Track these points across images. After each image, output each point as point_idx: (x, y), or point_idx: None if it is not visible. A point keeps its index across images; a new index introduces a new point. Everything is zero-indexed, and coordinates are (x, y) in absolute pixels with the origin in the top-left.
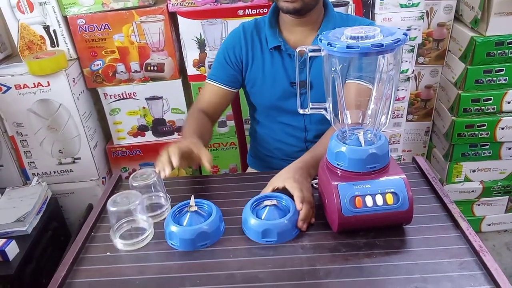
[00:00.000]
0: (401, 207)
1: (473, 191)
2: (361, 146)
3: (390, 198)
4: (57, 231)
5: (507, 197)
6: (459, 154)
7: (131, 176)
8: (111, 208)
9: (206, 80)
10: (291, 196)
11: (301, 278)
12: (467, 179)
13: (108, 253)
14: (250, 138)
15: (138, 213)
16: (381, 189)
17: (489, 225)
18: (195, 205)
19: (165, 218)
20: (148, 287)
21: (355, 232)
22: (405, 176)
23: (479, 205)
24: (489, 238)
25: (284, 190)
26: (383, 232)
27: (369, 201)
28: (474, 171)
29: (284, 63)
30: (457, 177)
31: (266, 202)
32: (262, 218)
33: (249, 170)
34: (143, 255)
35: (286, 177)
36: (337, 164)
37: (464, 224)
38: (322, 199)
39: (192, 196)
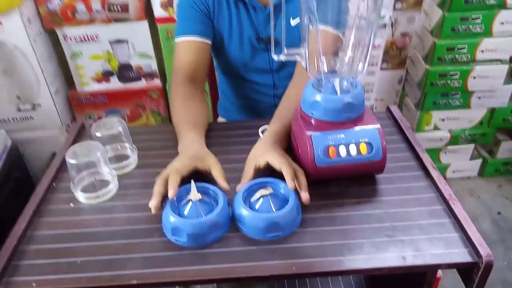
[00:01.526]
0: (375, 157)
1: (441, 139)
2: (337, 94)
3: (364, 148)
4: (20, 182)
5: (473, 145)
6: (430, 103)
7: (93, 126)
8: (70, 160)
9: (176, 40)
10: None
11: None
12: (436, 128)
13: (72, 204)
14: (219, 91)
15: (100, 165)
16: (355, 139)
17: (454, 172)
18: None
19: (131, 169)
20: (115, 238)
21: (327, 182)
22: (379, 126)
23: (445, 153)
24: (453, 184)
25: (266, 169)
26: (355, 181)
27: (342, 151)
28: (443, 120)
29: (250, 17)
30: (426, 126)
31: (262, 192)
32: (257, 208)
33: (220, 120)
34: (109, 206)
35: (265, 152)
36: (312, 114)
37: (434, 173)
38: (295, 149)
39: (193, 183)
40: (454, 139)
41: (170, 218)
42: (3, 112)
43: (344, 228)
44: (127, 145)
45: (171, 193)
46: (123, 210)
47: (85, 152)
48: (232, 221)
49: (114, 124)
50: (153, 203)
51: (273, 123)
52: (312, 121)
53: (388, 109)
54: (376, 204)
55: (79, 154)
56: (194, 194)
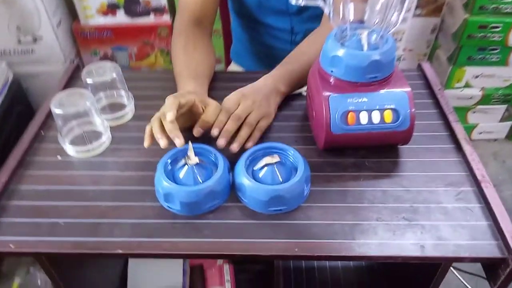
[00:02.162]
0: (401, 127)
1: (471, 98)
2: (363, 50)
3: (389, 116)
4: (23, 116)
5: (505, 106)
6: (465, 58)
7: (84, 71)
8: (55, 110)
9: None
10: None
11: None
12: (467, 85)
13: (59, 157)
14: (232, 34)
15: (91, 116)
16: (379, 104)
17: (480, 133)
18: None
19: (127, 120)
20: (103, 199)
21: (342, 150)
22: (410, 89)
23: (474, 112)
24: (477, 146)
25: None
26: (374, 151)
27: (363, 117)
28: (476, 77)
29: None
30: (457, 83)
31: (267, 160)
32: (260, 177)
33: (232, 66)
34: (99, 162)
35: (241, 97)
36: (331, 71)
37: (467, 149)
38: (309, 110)
39: (190, 144)
40: (485, 98)
41: (163, 183)
42: (3, 43)
43: (357, 206)
44: (122, 93)
45: (170, 116)
46: (115, 167)
47: (73, 100)
48: (233, 189)
49: (107, 70)
50: (146, 142)
51: (280, 65)
52: (331, 80)
53: (420, 67)
54: (395, 180)
55: (65, 103)
56: (191, 157)
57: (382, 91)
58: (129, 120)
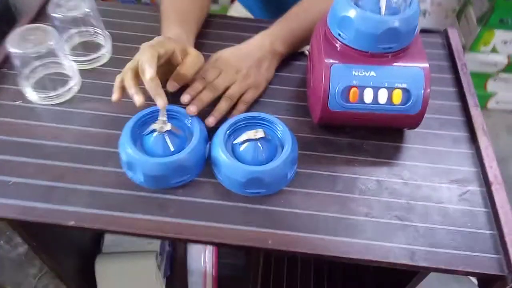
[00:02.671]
0: (410, 110)
1: (495, 64)
2: (380, 13)
3: (398, 96)
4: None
5: None
6: (497, 20)
7: (50, 4)
8: (10, 49)
9: None
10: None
11: None
12: (494, 50)
13: (18, 102)
14: None
15: (57, 57)
16: (389, 81)
17: (497, 103)
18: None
19: (103, 64)
20: (61, 158)
21: (339, 127)
22: (427, 66)
23: (495, 80)
24: (491, 116)
25: None
26: (375, 132)
27: (368, 95)
28: (505, 42)
29: None
30: (483, 46)
31: (249, 134)
32: (240, 151)
33: (237, 6)
34: (63, 113)
35: (224, 63)
36: (338, 35)
37: (483, 141)
38: (307, 75)
39: (163, 110)
40: (510, 67)
41: (126, 149)
42: None
43: (346, 196)
44: (98, 30)
45: (150, 73)
46: (79, 121)
47: (35, 38)
48: (208, 162)
49: (79, 3)
50: (114, 95)
51: (276, 23)
52: (337, 46)
53: (445, 33)
54: (394, 169)
55: (24, 40)
56: (163, 123)
57: (394, 65)
58: (104, 63)
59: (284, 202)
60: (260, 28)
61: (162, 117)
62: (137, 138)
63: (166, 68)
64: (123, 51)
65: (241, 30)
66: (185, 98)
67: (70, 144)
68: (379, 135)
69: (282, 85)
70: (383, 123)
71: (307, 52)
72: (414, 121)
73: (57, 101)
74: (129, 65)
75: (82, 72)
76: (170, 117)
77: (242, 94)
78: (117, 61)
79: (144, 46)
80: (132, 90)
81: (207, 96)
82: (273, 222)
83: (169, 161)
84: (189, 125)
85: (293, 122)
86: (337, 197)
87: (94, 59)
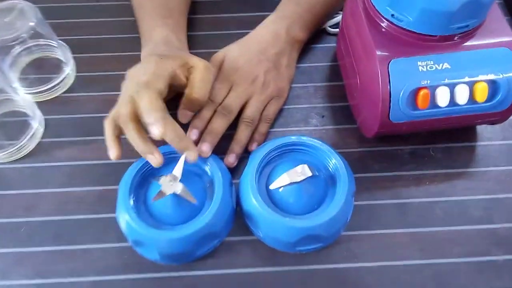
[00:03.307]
0: (499, 106)
1: None
2: None
3: (482, 92)
4: None
5: None
6: None
7: None
8: None
9: None
10: None
11: None
12: None
13: None
14: None
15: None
16: (470, 72)
17: None
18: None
19: (65, 90)
20: (42, 242)
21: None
22: None
23: None
24: None
25: None
26: (441, 131)
27: (443, 97)
28: None
29: None
30: None
31: (291, 174)
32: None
33: None
34: (31, 173)
35: (235, 69)
36: (391, 16)
37: None
38: (343, 71)
39: (179, 169)
40: None
41: (130, 223)
42: None
43: (423, 231)
44: (51, 42)
45: (158, 131)
46: (56, 179)
47: None
48: (237, 214)
49: (17, 13)
50: (113, 154)
51: (285, 1)
52: (389, 30)
53: None
54: (476, 181)
55: None
56: (175, 181)
57: (472, 48)
58: (69, 89)
59: (348, 254)
60: (265, 3)
61: (176, 172)
62: (140, 197)
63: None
64: (89, 66)
65: (240, 10)
66: (192, 134)
67: (48, 217)
68: (446, 134)
69: (305, 81)
70: (459, 125)
71: (329, 29)
72: (502, 117)
73: (17, 156)
74: (113, 116)
75: (41, 106)
76: (173, 161)
77: (263, 109)
78: (86, 82)
79: (138, 89)
80: (110, 142)
81: (219, 125)
82: (340, 286)
83: (190, 234)
84: (206, 167)
85: (331, 133)
86: (413, 234)
87: (55, 85)
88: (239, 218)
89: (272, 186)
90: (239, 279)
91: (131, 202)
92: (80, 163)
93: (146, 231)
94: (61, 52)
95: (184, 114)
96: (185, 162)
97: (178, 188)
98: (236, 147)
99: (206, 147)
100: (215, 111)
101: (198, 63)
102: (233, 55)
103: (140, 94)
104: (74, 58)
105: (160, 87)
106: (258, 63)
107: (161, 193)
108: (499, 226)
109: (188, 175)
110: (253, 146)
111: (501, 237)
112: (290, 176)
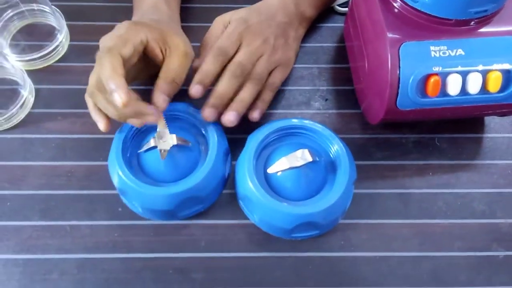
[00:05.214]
0: (511, 98)
1: None
2: None
3: (496, 82)
4: None
5: None
6: None
7: None
8: None
9: None
10: None
11: None
12: None
13: None
14: None
15: None
16: (484, 60)
17: None
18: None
19: (58, 59)
20: (30, 217)
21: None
22: None
23: None
24: None
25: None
26: (448, 121)
27: (454, 85)
28: None
29: None
30: None
31: (290, 159)
32: (278, 181)
33: None
34: (19, 143)
35: (243, 29)
36: None
37: None
38: (350, 53)
39: (162, 119)
40: None
41: (117, 172)
42: None
43: (424, 223)
44: (44, 8)
45: (122, 98)
46: (46, 151)
47: None
48: (230, 183)
49: None
50: (101, 126)
51: None
52: (402, 11)
53: None
54: (482, 175)
55: None
56: (164, 139)
57: (487, 35)
58: (62, 57)
59: (345, 243)
60: None
61: (163, 132)
62: (133, 153)
63: (142, 65)
64: (83, 34)
65: None
66: (193, 90)
67: (36, 191)
68: (453, 124)
69: (309, 62)
70: (468, 116)
71: (338, 8)
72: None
73: (6, 126)
74: (91, 87)
75: (32, 75)
76: (174, 116)
77: (268, 75)
78: (79, 51)
79: (101, 55)
80: (95, 117)
81: (250, 94)
82: (336, 276)
83: (173, 193)
84: (202, 129)
85: (334, 118)
86: (413, 226)
87: (47, 53)
88: (234, 200)
89: (270, 170)
90: (233, 263)
91: (124, 152)
92: (71, 137)
93: (132, 182)
94: (55, 19)
95: (161, 99)
96: (183, 117)
97: (173, 140)
98: (239, 105)
99: (234, 117)
100: (224, 67)
101: (178, 45)
102: (241, 16)
103: (102, 61)
104: (68, 25)
105: (125, 52)
106: (268, 27)
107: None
108: (502, 221)
109: (186, 135)
110: (255, 114)
111: (503, 233)
112: (290, 161)
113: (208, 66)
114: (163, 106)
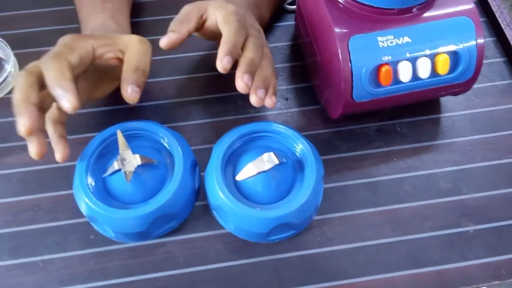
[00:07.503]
0: (461, 77)
1: None
2: None
3: (444, 64)
4: None
5: None
6: None
7: None
8: None
9: None
10: None
11: None
12: None
13: None
14: None
15: None
16: (430, 45)
17: None
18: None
19: (9, 91)
20: None
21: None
22: (473, 7)
23: None
24: None
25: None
26: (406, 106)
27: (405, 72)
28: None
29: None
30: None
31: (258, 164)
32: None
33: None
34: None
35: (241, 17)
36: None
37: None
38: (304, 52)
39: (120, 136)
40: None
41: (84, 200)
42: None
43: (394, 208)
44: None
45: (70, 102)
46: (6, 188)
47: None
48: (201, 195)
49: None
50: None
51: None
52: (346, 5)
53: None
54: (443, 153)
55: None
56: (128, 158)
57: (431, 20)
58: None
59: (321, 238)
60: None
61: (123, 150)
62: (99, 173)
63: (96, 76)
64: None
65: None
66: (247, 79)
67: (3, 230)
68: (411, 108)
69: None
70: (423, 99)
71: (287, 6)
72: (465, 87)
73: None
74: (19, 97)
75: None
76: (133, 137)
77: None
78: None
79: (46, 59)
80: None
81: (269, 70)
82: (316, 273)
83: (144, 214)
84: (166, 144)
85: (296, 116)
86: (384, 213)
87: None
88: (208, 212)
89: (238, 177)
90: (214, 274)
91: (88, 178)
92: (32, 169)
93: (100, 209)
94: (1, 50)
95: (130, 89)
96: (146, 135)
97: (136, 160)
98: (260, 89)
99: (263, 93)
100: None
101: (129, 39)
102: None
103: (47, 65)
104: (15, 54)
105: (72, 59)
106: (246, 13)
107: (126, 174)
108: (468, 196)
109: (150, 153)
110: (270, 102)
111: (470, 208)
112: (257, 166)
113: (245, 54)
114: (134, 97)
